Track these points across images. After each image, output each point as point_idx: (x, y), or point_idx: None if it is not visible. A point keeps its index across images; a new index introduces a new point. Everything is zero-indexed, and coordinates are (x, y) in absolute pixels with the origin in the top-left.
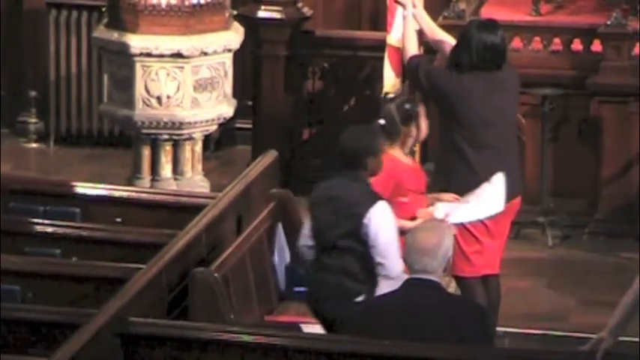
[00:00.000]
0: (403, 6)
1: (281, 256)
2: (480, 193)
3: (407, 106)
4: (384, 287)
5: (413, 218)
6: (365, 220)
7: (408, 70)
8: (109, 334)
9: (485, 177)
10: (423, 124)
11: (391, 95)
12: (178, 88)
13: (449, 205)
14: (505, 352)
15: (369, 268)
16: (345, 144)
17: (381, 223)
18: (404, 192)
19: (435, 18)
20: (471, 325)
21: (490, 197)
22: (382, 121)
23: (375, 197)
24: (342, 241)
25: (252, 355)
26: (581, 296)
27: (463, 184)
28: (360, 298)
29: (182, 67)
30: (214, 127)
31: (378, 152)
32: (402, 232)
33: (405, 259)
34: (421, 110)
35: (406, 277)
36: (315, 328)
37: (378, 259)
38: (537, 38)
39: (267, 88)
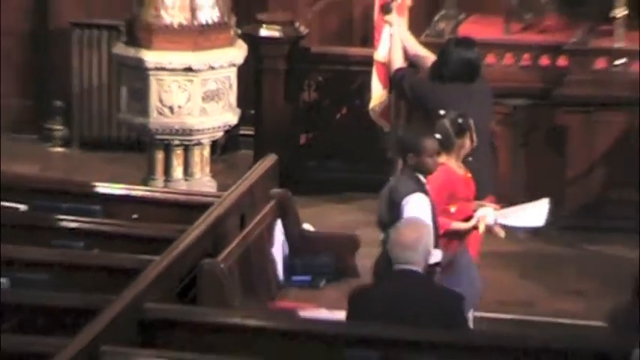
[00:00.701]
0: (390, 24)
1: (280, 249)
2: (525, 207)
3: (460, 120)
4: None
5: (466, 219)
6: (402, 205)
7: (393, 82)
8: (127, 319)
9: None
10: (474, 136)
11: (441, 112)
12: (188, 99)
13: (495, 211)
14: (483, 335)
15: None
16: (398, 140)
17: (413, 210)
18: (455, 200)
19: (417, 36)
20: (451, 311)
21: (534, 212)
22: (438, 136)
23: (414, 188)
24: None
25: (258, 338)
26: (550, 285)
27: None
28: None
29: (192, 80)
30: (220, 134)
31: (419, 151)
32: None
33: (390, 253)
34: (471, 124)
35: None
36: (311, 312)
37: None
38: (509, 54)
39: (268, 98)
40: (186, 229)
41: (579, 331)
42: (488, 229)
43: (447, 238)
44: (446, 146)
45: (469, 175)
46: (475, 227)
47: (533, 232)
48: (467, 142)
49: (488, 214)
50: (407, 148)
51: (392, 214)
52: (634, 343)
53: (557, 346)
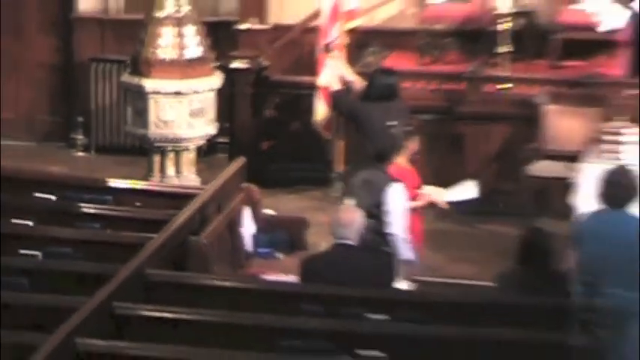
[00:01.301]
0: (330, 58)
1: (248, 229)
2: (456, 187)
3: (407, 128)
4: (396, 244)
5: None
6: (386, 194)
7: (333, 101)
8: (133, 282)
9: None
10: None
11: (393, 123)
12: (178, 115)
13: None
14: (404, 292)
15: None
16: (378, 147)
17: (394, 195)
18: (408, 188)
19: (351, 66)
20: (379, 273)
21: (466, 189)
22: (397, 140)
23: (393, 181)
24: (374, 208)
25: (232, 296)
26: (452, 255)
27: None
28: (382, 247)
29: (181, 101)
30: (203, 142)
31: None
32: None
33: (331, 230)
34: (414, 131)
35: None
36: (272, 276)
37: (389, 221)
38: (421, 81)
39: (239, 115)
40: (177, 213)
41: (473, 289)
42: (435, 204)
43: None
44: (398, 149)
45: (414, 169)
46: (429, 203)
47: (469, 205)
48: (412, 145)
49: (435, 192)
50: (392, 152)
51: (375, 199)
52: (514, 297)
53: (460, 300)
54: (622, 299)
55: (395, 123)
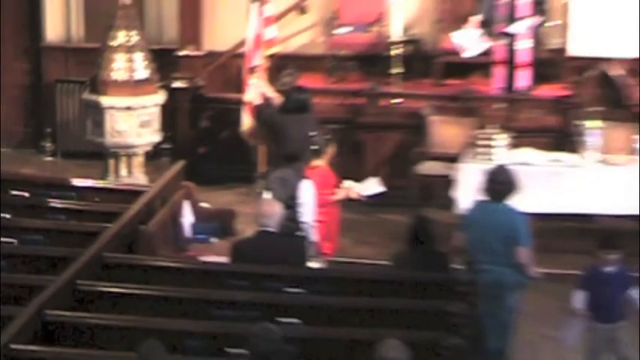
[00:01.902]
0: (254, 79)
1: (187, 218)
2: (365, 183)
3: (327, 136)
4: (308, 229)
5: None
6: (298, 189)
7: (256, 115)
8: (93, 263)
9: (300, 173)
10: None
11: (315, 133)
12: (130, 126)
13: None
14: (318, 270)
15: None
16: (291, 151)
17: (304, 190)
18: (330, 186)
19: (271, 85)
20: (294, 254)
21: (372, 184)
22: (316, 147)
23: (304, 178)
24: (289, 201)
25: (174, 274)
26: (355, 238)
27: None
28: (297, 233)
29: (132, 115)
30: (150, 148)
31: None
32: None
33: (255, 220)
34: (333, 138)
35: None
36: (206, 258)
37: (301, 209)
38: (328, 97)
39: (179, 125)
40: (128, 207)
41: (373, 267)
42: (351, 196)
43: (326, 208)
44: (319, 154)
45: (331, 171)
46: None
47: (377, 196)
48: (331, 150)
49: (352, 187)
50: (308, 154)
51: (289, 193)
52: (405, 274)
53: (362, 276)
54: (498, 274)
55: (315, 133)
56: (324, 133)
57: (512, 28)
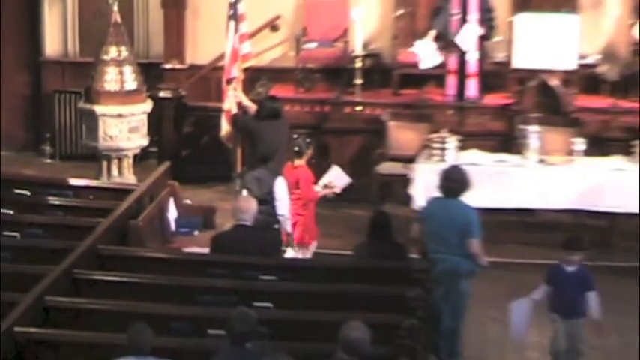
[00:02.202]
0: (231, 89)
1: (172, 214)
2: (335, 175)
3: (307, 140)
4: (282, 222)
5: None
6: (274, 185)
7: (233, 121)
8: (88, 254)
9: (273, 173)
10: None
11: (296, 135)
12: (120, 132)
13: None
14: (289, 259)
15: (275, 212)
16: (266, 153)
17: (278, 188)
18: (310, 183)
19: (247, 94)
20: (269, 246)
21: (341, 175)
22: (297, 149)
23: (278, 176)
24: (266, 196)
25: (161, 263)
26: (322, 231)
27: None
28: (275, 226)
29: (122, 121)
30: (138, 151)
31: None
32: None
33: (232, 214)
34: (312, 141)
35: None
36: (189, 249)
37: (276, 204)
38: (298, 105)
39: (165, 131)
40: (120, 203)
41: (338, 257)
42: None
43: (309, 203)
44: (301, 155)
45: (309, 170)
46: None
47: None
48: (310, 152)
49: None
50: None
51: (263, 191)
52: (367, 262)
53: (329, 264)
54: (453, 263)
55: (296, 136)
56: (304, 138)
57: (458, 39)
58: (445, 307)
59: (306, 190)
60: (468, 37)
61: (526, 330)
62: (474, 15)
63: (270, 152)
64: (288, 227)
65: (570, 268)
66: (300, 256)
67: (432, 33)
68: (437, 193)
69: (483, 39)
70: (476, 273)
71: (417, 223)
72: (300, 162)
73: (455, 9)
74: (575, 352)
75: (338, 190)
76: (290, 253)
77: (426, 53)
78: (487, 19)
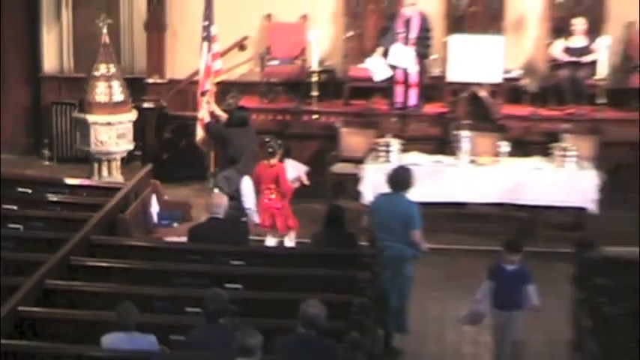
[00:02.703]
0: (205, 101)
1: (154, 208)
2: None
3: (279, 141)
4: (250, 215)
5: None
6: (241, 183)
7: (207, 129)
8: (83, 244)
9: (241, 172)
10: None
11: (268, 139)
12: (109, 138)
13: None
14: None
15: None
16: (235, 156)
17: (245, 185)
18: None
19: (219, 105)
20: (238, 235)
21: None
22: (270, 150)
23: (244, 175)
24: (235, 193)
25: (146, 251)
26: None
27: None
28: (243, 219)
29: (111, 129)
30: (125, 154)
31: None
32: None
33: (207, 209)
34: (282, 143)
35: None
36: (170, 238)
37: (243, 200)
38: (262, 114)
39: (148, 137)
40: (109, 200)
41: (298, 245)
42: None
43: (288, 194)
44: (274, 154)
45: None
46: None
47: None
48: (281, 152)
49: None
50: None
51: (232, 188)
52: (322, 249)
53: (289, 251)
54: (398, 250)
55: (269, 139)
56: (276, 140)
57: (390, 60)
58: (392, 288)
59: (284, 184)
60: (398, 55)
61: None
62: (414, 33)
63: (238, 155)
64: (255, 219)
65: (510, 267)
66: (286, 240)
67: (380, 50)
68: (384, 189)
69: (422, 57)
70: (418, 258)
71: (366, 215)
72: (274, 160)
73: (400, 28)
74: (512, 339)
75: (306, 181)
76: (270, 242)
77: (377, 68)
78: (425, 37)
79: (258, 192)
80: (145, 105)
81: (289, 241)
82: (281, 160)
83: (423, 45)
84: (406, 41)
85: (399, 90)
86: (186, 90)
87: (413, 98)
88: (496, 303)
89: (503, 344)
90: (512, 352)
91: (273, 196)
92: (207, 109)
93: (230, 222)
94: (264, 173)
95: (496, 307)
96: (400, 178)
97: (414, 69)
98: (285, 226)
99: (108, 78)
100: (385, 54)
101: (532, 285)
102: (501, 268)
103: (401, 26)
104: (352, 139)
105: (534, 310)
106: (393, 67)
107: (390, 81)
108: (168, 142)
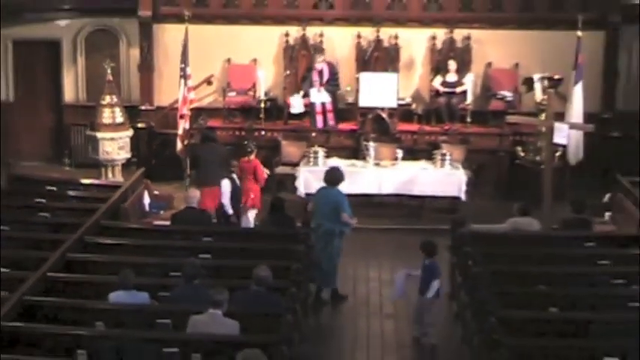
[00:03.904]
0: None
1: (146, 200)
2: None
3: (253, 143)
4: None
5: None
6: (222, 184)
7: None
8: (90, 230)
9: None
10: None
11: (246, 142)
12: (113, 149)
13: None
14: (220, 227)
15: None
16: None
17: (224, 185)
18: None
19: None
20: (206, 220)
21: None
22: (249, 149)
23: (225, 177)
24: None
25: (141, 234)
26: None
27: (204, 183)
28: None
29: (114, 142)
30: (124, 161)
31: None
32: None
33: (185, 200)
34: (255, 144)
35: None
36: (158, 223)
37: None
38: (225, 131)
39: (141, 148)
40: (113, 194)
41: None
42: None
43: (258, 182)
44: (251, 152)
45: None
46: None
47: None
48: (256, 151)
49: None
50: (251, 151)
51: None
52: (269, 230)
53: (243, 231)
54: (329, 227)
55: (247, 142)
56: (251, 141)
57: (313, 97)
58: (323, 255)
59: (260, 175)
60: (315, 95)
61: (403, 291)
62: (325, 79)
63: (210, 170)
64: (230, 210)
65: (427, 262)
66: (250, 214)
67: (301, 92)
68: (318, 185)
69: (333, 92)
70: (345, 234)
71: (311, 202)
72: (251, 157)
73: (315, 77)
74: (428, 320)
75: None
76: (251, 214)
77: (296, 104)
78: (334, 79)
79: (241, 180)
80: (139, 125)
81: (251, 216)
82: (256, 157)
83: (332, 85)
84: (320, 84)
85: (319, 118)
86: (168, 114)
87: (331, 120)
88: (419, 290)
89: (423, 321)
90: (426, 329)
91: (252, 183)
92: (184, 127)
93: (200, 210)
94: (245, 166)
95: (419, 293)
96: (333, 176)
97: (328, 101)
98: (255, 204)
99: (112, 106)
100: (305, 95)
101: (438, 280)
102: (423, 263)
103: (315, 76)
104: (290, 149)
105: (433, 299)
106: (313, 103)
107: (313, 111)
108: (156, 152)
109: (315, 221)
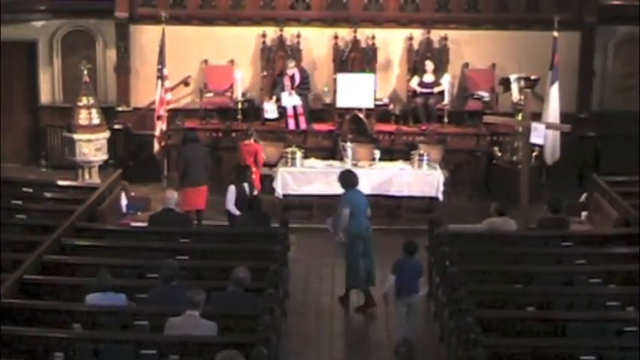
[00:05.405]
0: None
1: (123, 202)
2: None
3: (252, 129)
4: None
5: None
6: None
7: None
8: (70, 229)
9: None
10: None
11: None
12: (90, 150)
13: None
14: (198, 228)
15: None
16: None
17: (229, 192)
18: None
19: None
20: (184, 222)
21: None
22: (249, 132)
23: (230, 184)
24: None
25: (118, 235)
26: (216, 209)
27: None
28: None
29: (91, 144)
30: (101, 162)
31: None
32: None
33: (163, 202)
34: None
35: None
36: (135, 224)
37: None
38: (203, 132)
39: (118, 149)
40: (90, 196)
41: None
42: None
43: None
44: (250, 137)
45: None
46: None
47: None
48: (255, 136)
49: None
50: (250, 136)
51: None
52: (247, 229)
53: (224, 230)
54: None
55: (247, 127)
56: (251, 129)
57: (284, 101)
58: (358, 257)
59: (259, 157)
60: (287, 99)
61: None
62: (297, 83)
63: (194, 168)
64: (236, 212)
65: (413, 261)
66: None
67: (274, 98)
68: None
69: (304, 96)
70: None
71: (345, 208)
72: (251, 141)
73: (286, 82)
74: (414, 316)
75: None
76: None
77: (270, 109)
78: (305, 83)
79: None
80: (116, 126)
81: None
82: (255, 141)
83: (304, 89)
84: (292, 88)
85: (290, 121)
86: (145, 115)
87: (303, 123)
88: (400, 292)
89: (411, 321)
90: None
91: (252, 166)
92: (161, 128)
93: (177, 212)
94: (245, 149)
95: (400, 294)
96: (355, 178)
97: (299, 104)
98: (257, 185)
99: (88, 107)
100: (277, 100)
101: (423, 277)
102: (403, 262)
103: (287, 80)
104: (267, 149)
105: (421, 296)
106: (285, 107)
107: (285, 114)
108: (132, 154)
109: (356, 225)
